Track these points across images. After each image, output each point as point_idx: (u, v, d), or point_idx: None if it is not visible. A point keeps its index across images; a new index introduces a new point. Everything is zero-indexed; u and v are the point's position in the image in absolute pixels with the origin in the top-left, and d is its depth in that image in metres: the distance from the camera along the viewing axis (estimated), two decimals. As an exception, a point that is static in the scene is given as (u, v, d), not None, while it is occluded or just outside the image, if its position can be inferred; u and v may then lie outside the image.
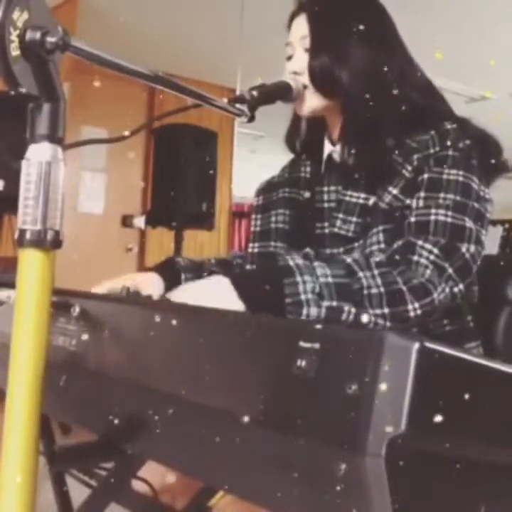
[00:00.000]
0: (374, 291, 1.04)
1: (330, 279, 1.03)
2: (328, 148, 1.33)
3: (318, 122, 1.34)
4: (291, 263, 1.04)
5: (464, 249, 1.12)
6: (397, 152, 1.20)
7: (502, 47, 4.48)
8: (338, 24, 1.25)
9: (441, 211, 1.13)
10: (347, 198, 1.23)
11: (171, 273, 1.32)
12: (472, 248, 1.13)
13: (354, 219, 1.21)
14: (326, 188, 1.30)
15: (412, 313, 1.05)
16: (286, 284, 1.02)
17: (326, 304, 1.02)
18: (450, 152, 1.17)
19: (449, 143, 1.17)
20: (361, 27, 1.23)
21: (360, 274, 1.05)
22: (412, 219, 1.15)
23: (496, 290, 1.20)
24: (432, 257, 1.10)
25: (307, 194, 1.34)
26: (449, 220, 1.13)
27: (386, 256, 1.11)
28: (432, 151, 1.18)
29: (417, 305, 1.05)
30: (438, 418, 0.60)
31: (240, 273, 1.13)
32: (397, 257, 1.10)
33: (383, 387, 0.58)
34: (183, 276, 1.33)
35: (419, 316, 1.06)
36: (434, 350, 0.61)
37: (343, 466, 0.59)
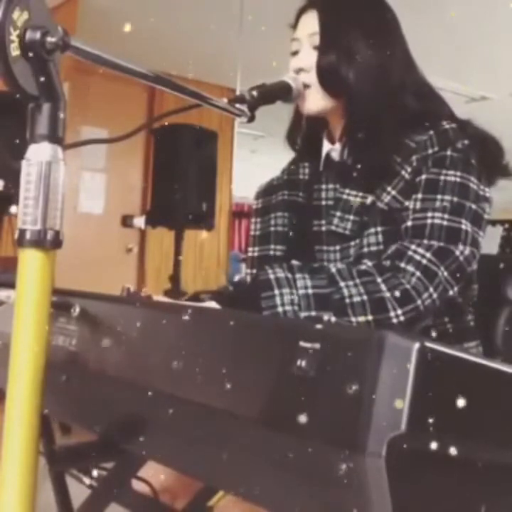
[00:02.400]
0: (356, 299, 1.06)
1: (309, 291, 1.07)
2: (326, 146, 1.33)
3: (319, 121, 1.34)
4: (271, 277, 1.10)
5: (457, 252, 1.12)
6: (396, 152, 1.20)
7: (502, 47, 4.47)
8: (348, 23, 1.24)
9: (438, 214, 1.14)
10: (345, 196, 1.24)
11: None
12: (467, 250, 1.13)
13: (351, 217, 1.21)
14: (324, 186, 1.30)
15: (395, 320, 1.07)
16: (264, 297, 1.08)
17: (304, 314, 1.06)
18: (448, 152, 1.17)
19: (447, 143, 1.17)
20: (370, 28, 1.23)
21: (342, 283, 1.08)
22: (409, 223, 1.16)
23: (496, 290, 1.20)
24: (424, 262, 1.10)
25: (305, 193, 1.34)
26: (445, 223, 1.13)
27: (375, 262, 1.13)
28: (430, 151, 1.18)
29: (399, 312, 1.07)
30: (438, 418, 0.60)
31: (225, 291, 1.19)
32: (386, 263, 1.12)
33: (383, 387, 0.58)
34: None
35: (403, 322, 1.07)
36: (434, 350, 0.61)
37: (343, 466, 0.59)
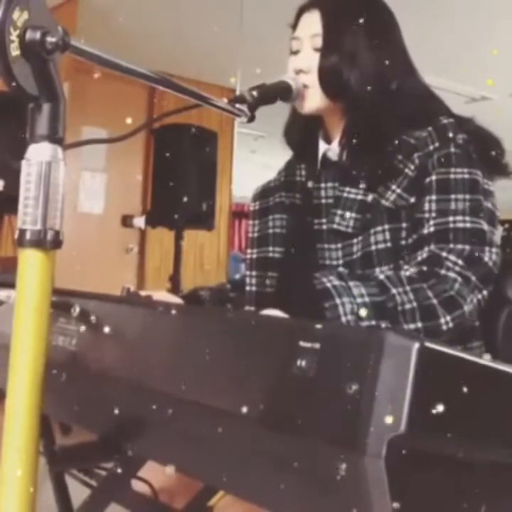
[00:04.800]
0: (408, 306, 1.06)
1: (367, 299, 1.06)
2: (322, 147, 1.33)
3: (315, 120, 1.34)
4: (328, 285, 1.07)
5: (486, 258, 1.14)
6: (398, 151, 1.20)
7: (502, 47, 4.47)
8: (351, 26, 1.24)
9: (459, 217, 1.15)
10: (345, 194, 1.23)
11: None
12: (493, 254, 1.15)
13: (353, 215, 1.21)
14: (322, 185, 1.30)
15: (444, 327, 1.07)
16: (327, 307, 1.05)
17: (365, 323, 1.04)
18: (452, 149, 1.17)
19: (448, 139, 1.18)
20: (372, 30, 1.23)
21: (394, 290, 1.07)
22: (432, 228, 1.16)
23: (495, 290, 1.20)
24: (457, 269, 1.11)
25: (303, 194, 1.34)
26: (468, 225, 1.14)
27: (415, 270, 1.13)
28: (431, 148, 1.18)
29: (449, 318, 1.08)
30: (438, 418, 0.60)
31: (224, 288, 1.17)
32: (424, 268, 1.12)
33: (383, 387, 0.58)
34: None
35: (452, 328, 1.08)
36: (434, 350, 0.61)
37: (343, 466, 0.59)
